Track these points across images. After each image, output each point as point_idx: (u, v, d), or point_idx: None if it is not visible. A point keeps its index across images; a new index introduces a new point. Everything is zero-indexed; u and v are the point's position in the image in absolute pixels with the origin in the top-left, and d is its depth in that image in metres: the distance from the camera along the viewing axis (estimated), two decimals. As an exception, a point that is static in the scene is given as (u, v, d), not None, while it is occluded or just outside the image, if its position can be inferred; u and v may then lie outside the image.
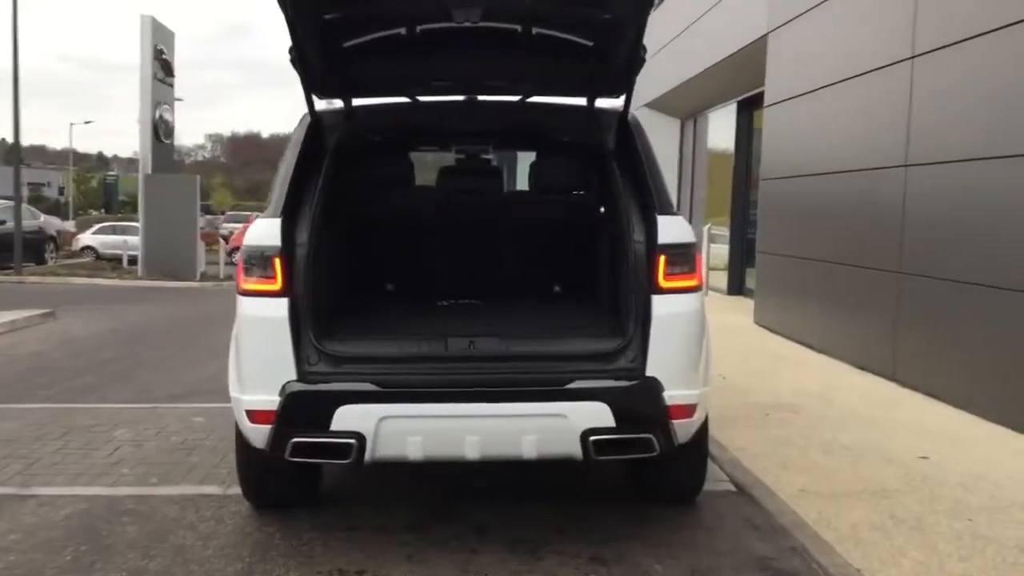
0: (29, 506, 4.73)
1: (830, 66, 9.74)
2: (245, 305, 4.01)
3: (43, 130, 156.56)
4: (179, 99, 23.55)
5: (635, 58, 4.20)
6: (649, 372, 3.94)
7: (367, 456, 3.82)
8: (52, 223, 27.27)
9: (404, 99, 4.82)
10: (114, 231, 28.05)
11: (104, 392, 7.70)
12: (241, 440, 4.24)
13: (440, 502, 4.84)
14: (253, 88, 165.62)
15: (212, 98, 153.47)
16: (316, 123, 4.44)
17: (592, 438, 3.82)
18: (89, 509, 4.68)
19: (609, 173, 4.39)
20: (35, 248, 23.13)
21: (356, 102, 4.71)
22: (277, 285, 3.94)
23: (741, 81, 14.24)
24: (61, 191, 73.30)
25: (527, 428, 3.86)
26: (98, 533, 4.36)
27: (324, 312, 4.15)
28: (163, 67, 21.42)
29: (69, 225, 35.16)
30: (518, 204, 5.62)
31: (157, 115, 21.16)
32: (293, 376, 3.87)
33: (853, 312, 9.11)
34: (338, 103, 4.70)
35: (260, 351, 3.96)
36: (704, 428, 4.39)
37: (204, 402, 7.02)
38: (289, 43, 4.01)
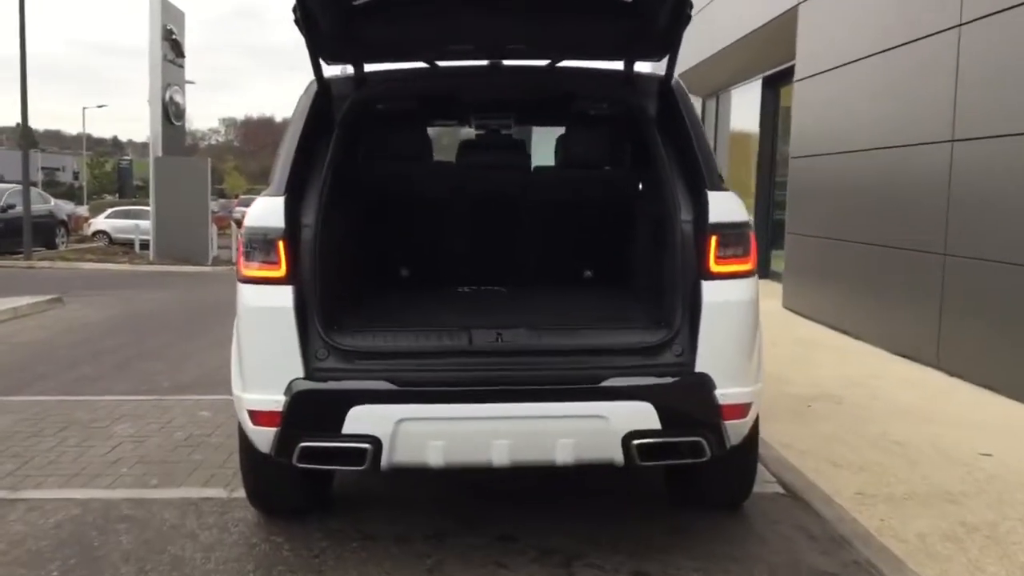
0: (18, 511, 4.36)
1: (867, 36, 9.23)
2: (246, 294, 3.60)
3: (59, 115, 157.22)
4: (191, 82, 23.20)
5: (680, 14, 3.74)
6: (699, 367, 3.51)
7: (383, 462, 3.43)
8: (63, 207, 26.95)
9: (421, 64, 4.35)
10: (127, 215, 27.69)
11: (107, 383, 7.33)
12: (245, 441, 3.84)
13: (462, 507, 4.44)
14: (267, 72, 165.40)
15: (226, 82, 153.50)
16: (324, 91, 4.00)
17: (635, 442, 3.41)
18: (82, 515, 4.31)
19: (651, 144, 3.93)
20: (45, 233, 22.78)
21: (368, 68, 4.25)
22: (281, 271, 3.53)
23: (767, 56, 13.72)
24: (76, 176, 73.22)
25: (562, 431, 3.45)
26: (90, 543, 3.98)
27: (334, 301, 3.73)
28: (173, 48, 21.04)
29: (82, 210, 34.94)
30: (546, 181, 5.15)
31: (167, 97, 20.79)
32: (300, 373, 3.47)
33: (892, 296, 8.64)
34: (348, 69, 4.24)
35: (263, 345, 3.56)
36: (755, 427, 3.95)
37: (211, 394, 6.64)
38: (293, 1, 3.57)
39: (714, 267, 3.56)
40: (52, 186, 57.31)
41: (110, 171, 69.63)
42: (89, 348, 8.98)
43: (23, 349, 8.97)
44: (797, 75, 11.28)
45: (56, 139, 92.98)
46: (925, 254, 8.00)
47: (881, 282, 8.89)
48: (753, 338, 3.68)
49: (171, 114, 21.06)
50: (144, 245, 21.96)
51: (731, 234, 3.58)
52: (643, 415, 3.40)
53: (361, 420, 3.39)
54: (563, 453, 3.46)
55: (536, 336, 3.61)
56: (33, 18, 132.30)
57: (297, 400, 3.44)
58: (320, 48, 3.90)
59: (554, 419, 3.44)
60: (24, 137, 21.67)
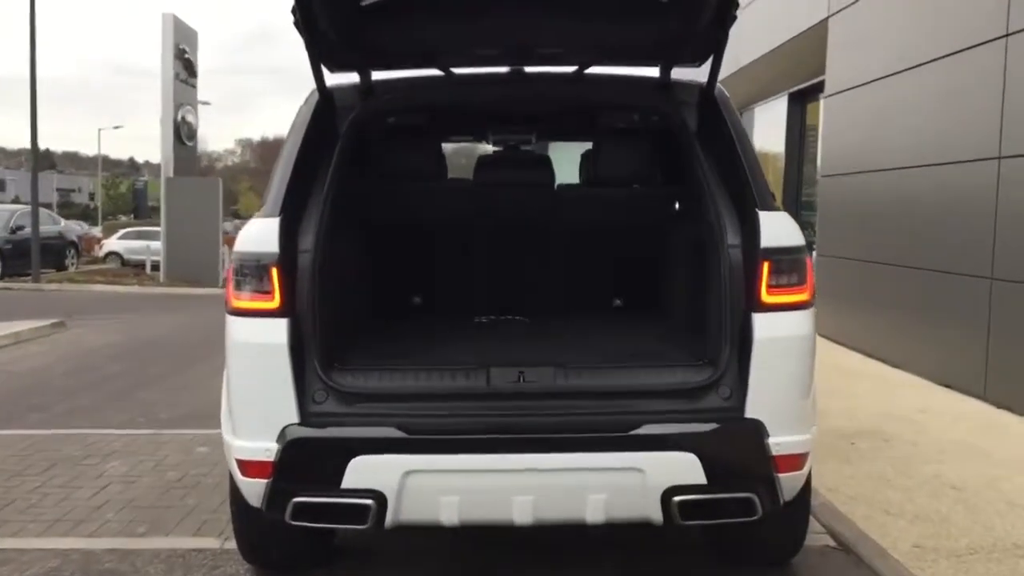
0: (-10, 564, 3.96)
1: (903, 49, 8.81)
2: (235, 328, 3.19)
3: (76, 137, 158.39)
4: (205, 102, 23.02)
5: (724, 14, 3.34)
6: (749, 412, 3.10)
7: (388, 520, 3.04)
8: (73, 228, 26.75)
9: (435, 72, 3.95)
10: (139, 236, 27.50)
11: (103, 415, 6.93)
12: (236, 490, 3.42)
13: (477, 559, 4.01)
14: (283, 93, 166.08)
15: (243, 103, 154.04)
16: (326, 101, 3.60)
17: (677, 498, 3.00)
18: (59, 568, 3.93)
19: (692, 160, 3.51)
20: (55, 254, 22.56)
21: (376, 76, 3.86)
22: (275, 302, 3.13)
23: (794, 71, 13.30)
24: (91, 196, 73.57)
25: (593, 485, 3.04)
26: (64, 604, 3.57)
27: (334, 335, 3.32)
28: (185, 67, 20.81)
29: (95, 230, 34.85)
30: (572, 200, 4.73)
31: (179, 117, 20.54)
32: (295, 419, 3.08)
33: (934, 322, 8.17)
34: (353, 77, 3.84)
35: (253, 386, 3.16)
36: (808, 476, 3.50)
37: (210, 427, 6.10)
38: (292, 1, 3.18)
39: (766, 297, 3.14)
40: (67, 207, 57.59)
41: (125, 192, 69.97)
42: (88, 376, 8.60)
43: (20, 377, 8.60)
44: (827, 90, 10.86)
45: (73, 160, 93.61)
46: (970, 278, 7.53)
47: (922, 308, 8.41)
48: (810, 378, 3.25)
49: (183, 134, 20.81)
50: (155, 266, 21.69)
51: (785, 260, 3.16)
52: (685, 468, 2.99)
53: (363, 472, 2.99)
54: (594, 511, 3.05)
55: (563, 376, 3.19)
56: (52, 40, 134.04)
57: (291, 449, 3.04)
58: (323, 54, 3.51)
59: (583, 472, 3.03)
60: (33, 158, 21.44)
